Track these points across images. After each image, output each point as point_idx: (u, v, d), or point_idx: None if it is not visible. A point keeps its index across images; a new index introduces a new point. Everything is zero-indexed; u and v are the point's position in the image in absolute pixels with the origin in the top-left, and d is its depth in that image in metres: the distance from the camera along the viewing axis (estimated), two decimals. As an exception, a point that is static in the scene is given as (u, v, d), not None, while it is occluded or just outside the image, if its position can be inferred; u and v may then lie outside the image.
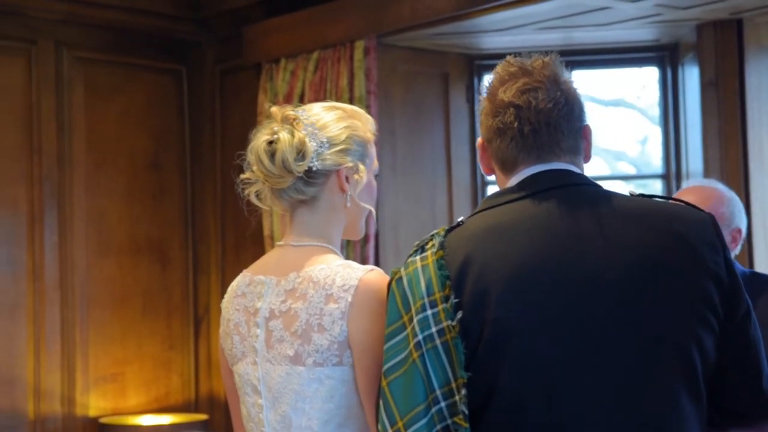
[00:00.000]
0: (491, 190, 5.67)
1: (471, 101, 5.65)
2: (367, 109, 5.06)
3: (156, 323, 5.93)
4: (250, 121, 5.63)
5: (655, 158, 5.95)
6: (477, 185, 5.66)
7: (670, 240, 2.15)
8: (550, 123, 2.25)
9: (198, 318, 6.07)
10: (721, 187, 3.56)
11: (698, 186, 3.57)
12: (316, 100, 5.22)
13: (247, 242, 5.80)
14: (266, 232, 5.45)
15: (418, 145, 5.51)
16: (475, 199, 5.64)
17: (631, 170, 6.30)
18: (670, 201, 2.25)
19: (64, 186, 5.62)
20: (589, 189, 2.24)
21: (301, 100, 5.31)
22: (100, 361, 5.69)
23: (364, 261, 5.03)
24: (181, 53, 6.10)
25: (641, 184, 6.11)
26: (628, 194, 2.26)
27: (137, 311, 5.86)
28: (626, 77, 5.95)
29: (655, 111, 5.77)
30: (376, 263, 5.18)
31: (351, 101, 5.07)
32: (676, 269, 2.13)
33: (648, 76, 5.87)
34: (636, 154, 6.31)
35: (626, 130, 6.14)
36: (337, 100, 5.13)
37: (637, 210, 2.19)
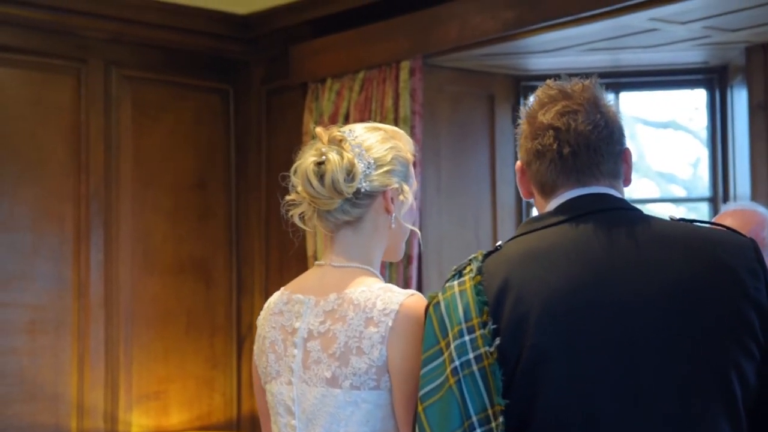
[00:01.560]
0: (536, 211, 5.63)
1: (516, 122, 5.61)
2: (413, 129, 5.05)
3: (199, 342, 5.95)
4: (295, 141, 5.65)
5: (706, 181, 5.89)
6: (522, 207, 5.63)
7: (709, 265, 2.12)
8: (589, 145, 2.23)
9: (241, 337, 6.08)
10: (762, 210, 3.52)
11: (738, 209, 3.53)
12: (361, 120, 5.22)
13: (291, 262, 5.80)
14: (310, 252, 5.45)
15: (463, 166, 5.49)
16: (519, 221, 5.60)
17: (682, 193, 6.25)
18: (711, 226, 2.23)
19: (111, 204, 5.66)
20: (628, 213, 2.22)
21: (346, 120, 5.32)
22: (144, 378, 5.71)
23: (406, 282, 5.01)
24: (228, 72, 6.13)
25: (692, 207, 6.05)
26: (668, 218, 2.23)
27: (181, 330, 5.88)
28: (676, 99, 5.90)
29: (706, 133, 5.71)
30: (419, 285, 5.16)
31: (396, 122, 5.06)
32: (715, 295, 2.10)
33: (699, 99, 5.82)
34: (687, 176, 6.26)
35: (677, 153, 6.09)
36: (382, 120, 5.13)
37: (677, 235, 2.16)
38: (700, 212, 5.71)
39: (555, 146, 2.24)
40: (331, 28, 5.61)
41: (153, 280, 5.79)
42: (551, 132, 2.24)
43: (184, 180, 5.96)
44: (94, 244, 5.59)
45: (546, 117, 2.26)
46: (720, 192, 5.41)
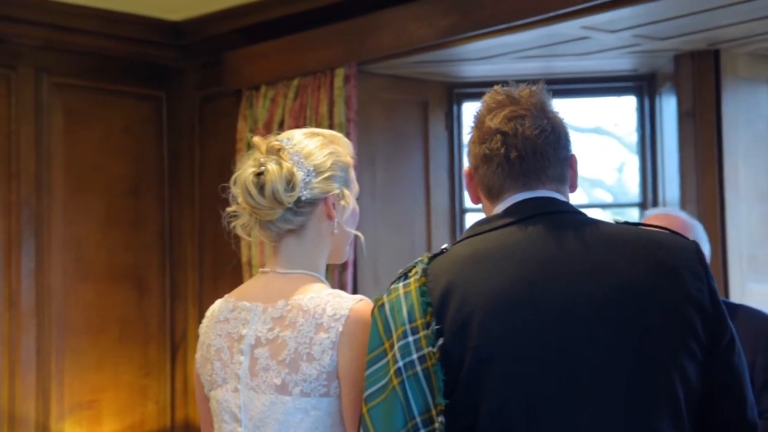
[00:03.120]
0: (469, 217, 5.69)
1: (450, 129, 5.68)
2: (348, 136, 5.04)
3: (132, 350, 5.90)
4: (229, 148, 5.64)
5: (632, 186, 5.98)
6: (455, 212, 5.67)
7: (654, 267, 2.15)
8: (536, 150, 2.27)
9: (175, 345, 6.04)
10: (683, 214, 3.61)
11: (662, 214, 3.61)
12: (296, 127, 5.19)
13: (224, 269, 5.78)
14: (244, 259, 5.44)
15: (398, 172, 5.52)
16: (453, 226, 5.65)
17: (608, 198, 6.34)
18: (655, 229, 2.26)
19: (42, 212, 5.59)
20: (574, 216, 2.25)
21: (281, 128, 5.31)
22: (76, 388, 5.65)
23: (342, 288, 5.02)
24: (161, 79, 6.10)
25: (618, 212, 6.14)
26: (612, 222, 2.26)
27: (114, 338, 5.83)
28: (604, 105, 5.99)
29: (632, 139, 5.80)
30: (354, 291, 5.17)
31: (331, 128, 4.99)
32: (659, 297, 2.13)
33: (626, 105, 5.91)
34: (613, 181, 6.35)
35: (603, 158, 6.17)
36: (317, 127, 5.13)
37: (622, 237, 2.20)
38: (629, 217, 5.79)
39: (502, 150, 2.26)
40: (265, 36, 5.61)
41: (85, 289, 5.73)
42: (499, 136, 2.27)
43: (117, 187, 5.91)
44: (26, 252, 5.52)
45: (494, 122, 2.29)
46: (650, 197, 5.50)
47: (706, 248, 3.50)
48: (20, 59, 5.58)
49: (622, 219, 2.28)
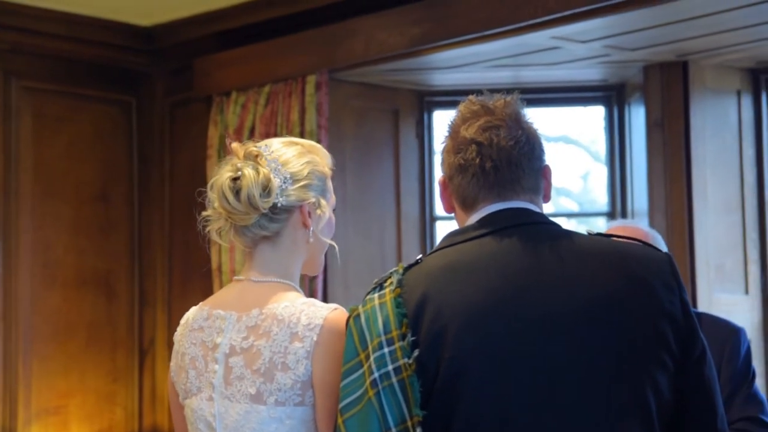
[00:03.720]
0: (440, 224, 5.71)
1: (420, 137, 5.70)
2: (318, 143, 5.06)
3: (100, 356, 5.87)
4: (199, 153, 5.63)
5: (597, 194, 6.02)
6: (426, 220, 5.69)
7: (627, 279, 2.17)
8: (511, 160, 2.27)
9: (143, 351, 6.02)
10: (644, 225, 3.65)
11: (627, 226, 3.63)
12: (267, 133, 5.23)
13: (194, 275, 5.77)
14: (214, 265, 5.43)
15: (368, 179, 5.53)
16: (423, 234, 5.66)
17: (574, 206, 6.37)
18: (628, 241, 2.28)
19: (10, 217, 5.56)
20: (548, 228, 2.26)
21: (252, 134, 5.32)
22: (43, 393, 5.62)
23: (312, 295, 5.02)
24: (131, 84, 6.08)
25: (585, 221, 6.18)
26: (586, 233, 2.28)
27: (81, 344, 5.80)
28: (570, 114, 6.03)
29: (598, 147, 5.84)
30: (324, 297, 5.18)
31: (302, 135, 5.08)
32: (632, 308, 2.15)
33: (592, 113, 5.96)
34: (578, 189, 6.39)
35: (569, 167, 6.21)
36: (288, 134, 5.14)
37: (596, 249, 2.21)
38: (597, 227, 5.83)
39: (477, 161, 2.27)
40: (236, 42, 5.61)
41: (53, 294, 5.71)
42: (474, 146, 2.28)
43: (86, 192, 5.88)
44: (-7, 257, 5.49)
45: (468, 132, 2.29)
46: (618, 207, 5.54)
47: None
48: (-12, 63, 5.56)
49: (595, 231, 2.29)
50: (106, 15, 5.79)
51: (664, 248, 3.48)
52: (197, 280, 5.74)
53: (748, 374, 3.27)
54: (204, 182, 5.42)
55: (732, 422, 3.13)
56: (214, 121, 5.54)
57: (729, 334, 3.33)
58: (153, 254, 6.03)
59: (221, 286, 5.36)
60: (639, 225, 3.67)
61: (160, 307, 5.99)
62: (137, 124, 6.10)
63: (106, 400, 5.88)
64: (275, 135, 5.21)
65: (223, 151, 5.43)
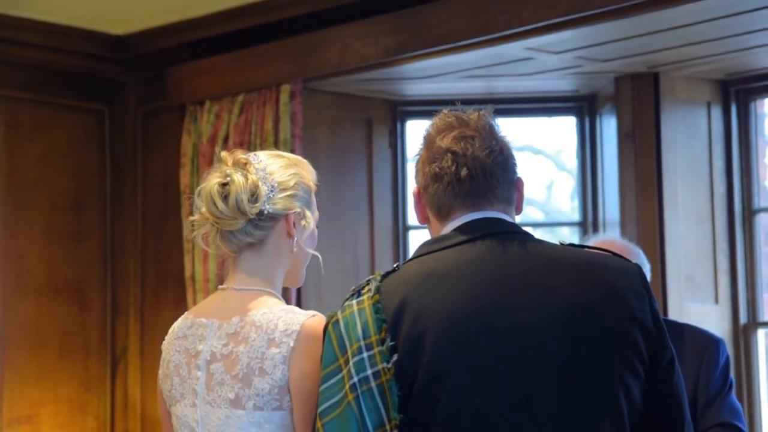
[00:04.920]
0: (413, 234, 5.73)
1: (394, 146, 5.72)
2: (292, 152, 5.08)
3: (73, 365, 5.86)
4: (172, 162, 5.64)
5: (562, 204, 6.06)
6: (399, 229, 5.71)
7: (599, 288, 2.21)
8: (486, 170, 2.32)
9: (115, 360, 6.01)
10: (625, 240, 3.72)
11: (606, 240, 3.69)
12: (241, 142, 5.25)
13: (167, 284, 5.77)
14: (187, 274, 5.44)
15: (342, 188, 5.55)
16: (396, 243, 5.69)
17: (539, 215, 6.41)
18: (599, 251, 2.32)
19: (-18, 225, 5.55)
20: (523, 237, 2.31)
21: (226, 143, 5.33)
22: (15, 402, 5.60)
23: (286, 303, 5.02)
24: (104, 93, 6.07)
25: (551, 230, 6.21)
26: (557, 243, 2.32)
27: (54, 353, 5.79)
28: (537, 124, 6.07)
29: (562, 157, 5.89)
30: (298, 306, 5.17)
31: (276, 145, 5.10)
32: (605, 317, 2.19)
33: (557, 123, 6.00)
34: (542, 199, 6.43)
35: (534, 176, 6.25)
36: (262, 143, 5.16)
37: (568, 259, 2.26)
38: (558, 236, 5.87)
39: (453, 168, 2.31)
40: (210, 51, 5.61)
41: (26, 302, 5.69)
42: (449, 155, 2.32)
43: (59, 201, 5.87)
44: (-35, 265, 5.47)
45: (444, 142, 2.33)
46: (590, 217, 5.59)
47: (647, 271, 3.59)
48: (-39, 71, 5.55)
49: (567, 241, 2.34)
50: (79, 24, 5.79)
51: (645, 263, 3.55)
52: (170, 289, 5.74)
53: (726, 383, 3.36)
54: (177, 191, 5.52)
55: (706, 429, 3.20)
56: (187, 130, 5.54)
57: (708, 343, 3.42)
58: (125, 263, 6.02)
59: (194, 295, 5.37)
60: (620, 240, 3.74)
61: (132, 315, 5.98)
62: (110, 132, 6.08)
63: (79, 409, 5.86)
64: (249, 144, 5.22)
65: (197, 160, 5.44)
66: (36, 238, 5.76)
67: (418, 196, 2.41)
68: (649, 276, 3.61)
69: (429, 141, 2.37)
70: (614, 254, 2.32)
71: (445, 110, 2.41)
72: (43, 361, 5.74)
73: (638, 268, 2.29)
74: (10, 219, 5.66)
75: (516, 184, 2.39)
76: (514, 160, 2.39)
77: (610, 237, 3.96)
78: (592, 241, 3.65)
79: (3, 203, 5.63)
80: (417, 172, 2.40)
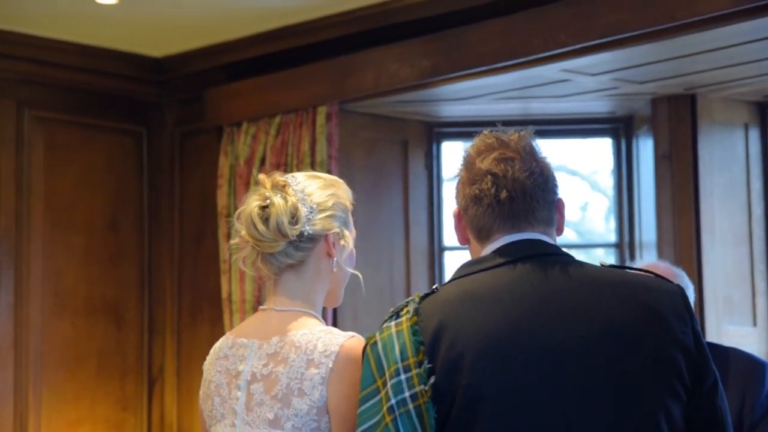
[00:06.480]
0: (448, 255, 5.73)
1: (429, 167, 5.73)
2: (329, 173, 5.10)
3: (110, 384, 5.89)
4: (209, 183, 5.67)
5: (596, 225, 6.04)
6: (434, 250, 5.71)
7: (640, 310, 2.20)
8: (526, 192, 2.31)
9: (152, 379, 6.04)
10: (669, 264, 3.71)
11: (646, 264, 3.69)
12: (278, 164, 5.27)
13: (203, 304, 5.80)
14: (224, 294, 5.46)
15: (378, 210, 5.56)
16: (432, 264, 5.69)
17: (572, 236, 6.39)
18: (640, 272, 2.31)
19: (21, 245, 5.59)
20: (562, 259, 2.29)
21: (263, 164, 5.35)
22: (53, 421, 5.63)
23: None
24: (142, 115, 6.12)
25: (587, 252, 6.20)
26: (598, 265, 2.31)
27: (91, 372, 5.82)
28: (571, 145, 6.06)
29: (597, 177, 5.87)
30: (334, 326, 5.18)
31: (312, 166, 5.12)
32: (645, 339, 2.18)
33: (594, 145, 5.99)
34: (577, 220, 6.42)
35: (569, 197, 6.25)
36: (299, 164, 5.19)
37: (609, 280, 2.24)
38: (593, 257, 5.84)
39: (493, 191, 2.30)
40: (246, 73, 5.65)
41: (64, 322, 5.73)
42: (489, 177, 2.31)
43: (97, 221, 5.92)
44: (4, 285, 5.51)
45: (484, 163, 2.33)
46: (626, 239, 5.57)
47: (690, 293, 3.58)
48: (1, 93, 5.60)
49: (607, 262, 2.33)
50: (117, 46, 5.85)
51: (689, 285, 3.53)
52: (206, 309, 5.77)
53: None
54: (214, 212, 5.54)
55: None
56: (224, 152, 5.57)
57: (754, 367, 3.41)
58: (162, 283, 6.06)
59: (231, 316, 5.39)
60: (663, 263, 3.74)
61: (169, 335, 6.01)
62: (147, 154, 6.14)
63: (116, 429, 5.89)
64: (286, 165, 5.24)
65: (234, 181, 5.47)
66: (74, 258, 5.80)
67: (459, 217, 2.41)
68: (692, 298, 3.60)
69: (469, 162, 2.37)
70: (655, 275, 2.31)
71: (486, 131, 2.40)
72: (81, 381, 5.78)
73: (680, 289, 2.27)
74: (49, 239, 5.71)
75: (557, 205, 2.38)
76: (555, 181, 2.38)
77: (654, 261, 3.96)
78: (644, 264, 3.65)
79: (41, 224, 5.69)
80: (457, 193, 2.40)
